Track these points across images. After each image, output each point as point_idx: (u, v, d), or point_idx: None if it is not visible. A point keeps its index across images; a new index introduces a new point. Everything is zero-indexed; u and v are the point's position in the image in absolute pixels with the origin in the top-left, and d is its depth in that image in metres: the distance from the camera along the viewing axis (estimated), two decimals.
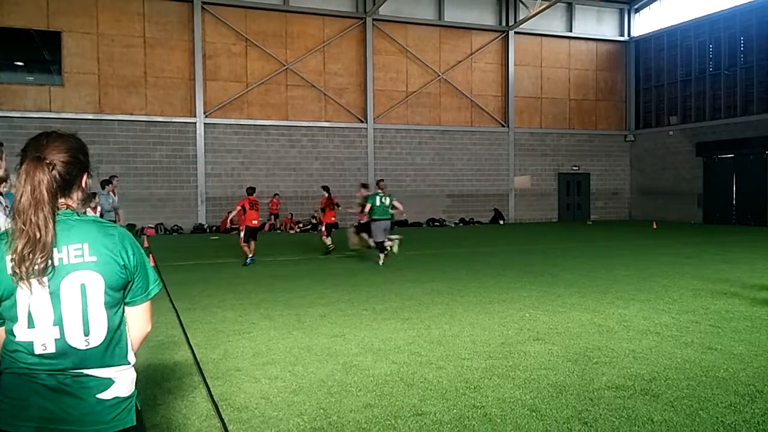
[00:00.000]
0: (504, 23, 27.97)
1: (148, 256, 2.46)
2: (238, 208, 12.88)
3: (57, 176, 1.84)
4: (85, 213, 1.93)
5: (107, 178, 12.48)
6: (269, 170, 24.04)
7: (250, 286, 9.84)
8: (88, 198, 1.67)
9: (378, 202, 12.23)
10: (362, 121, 25.80)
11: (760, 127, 24.50)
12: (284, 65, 24.44)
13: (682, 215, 27.43)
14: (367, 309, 7.88)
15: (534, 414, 4.17)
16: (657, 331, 6.47)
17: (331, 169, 25.37)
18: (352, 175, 25.69)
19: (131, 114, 22.45)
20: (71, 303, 1.82)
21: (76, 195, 1.93)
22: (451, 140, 27.40)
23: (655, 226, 23.59)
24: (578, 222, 28.51)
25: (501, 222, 27.55)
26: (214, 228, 22.88)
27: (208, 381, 4.88)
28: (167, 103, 23.01)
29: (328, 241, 14.62)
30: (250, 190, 13.28)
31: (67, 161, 1.87)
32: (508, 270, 11.55)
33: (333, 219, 14.83)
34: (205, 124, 23.34)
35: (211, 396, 4.52)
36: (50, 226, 1.79)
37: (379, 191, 12.46)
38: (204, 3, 23.18)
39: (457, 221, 26.99)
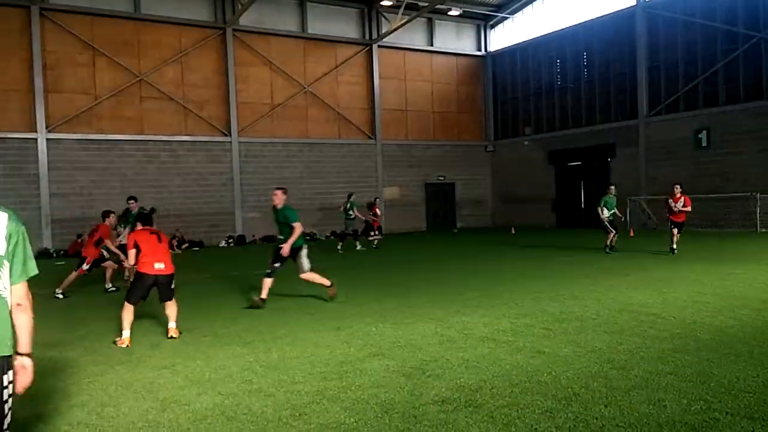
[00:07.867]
0: (367, 36, 28.33)
1: None
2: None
3: None
4: None
5: None
6: (124, 188, 22.40)
7: (82, 313, 8.93)
8: None
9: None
10: (226, 135, 24.94)
11: (603, 136, 26.67)
12: (137, 76, 23.03)
13: (539, 220, 29.15)
14: (207, 334, 7.39)
15: None
16: (494, 338, 6.60)
17: (194, 185, 24.24)
18: (216, 191, 24.74)
19: None
20: None
21: None
22: (320, 153, 27.24)
23: (513, 232, 24.82)
24: (445, 231, 29.39)
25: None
26: (62, 252, 20.96)
27: None
28: (3, 118, 20.80)
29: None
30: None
31: None
32: (370, 283, 11.48)
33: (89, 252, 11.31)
34: (48, 139, 21.38)
35: None
36: None
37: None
38: (43, 9, 21.29)
39: (328, 234, 26.80)
